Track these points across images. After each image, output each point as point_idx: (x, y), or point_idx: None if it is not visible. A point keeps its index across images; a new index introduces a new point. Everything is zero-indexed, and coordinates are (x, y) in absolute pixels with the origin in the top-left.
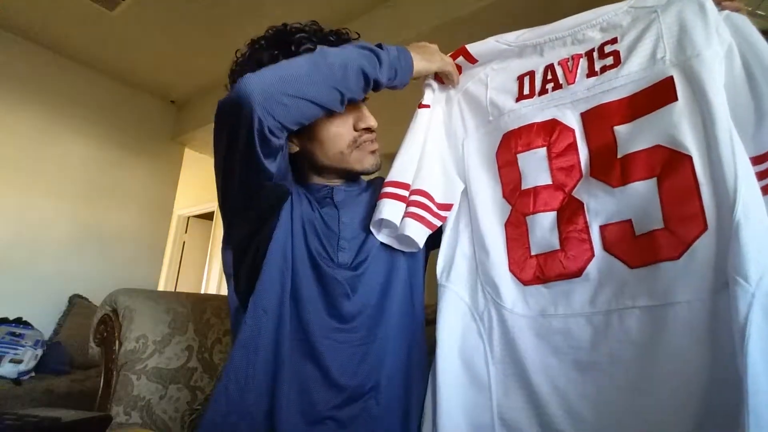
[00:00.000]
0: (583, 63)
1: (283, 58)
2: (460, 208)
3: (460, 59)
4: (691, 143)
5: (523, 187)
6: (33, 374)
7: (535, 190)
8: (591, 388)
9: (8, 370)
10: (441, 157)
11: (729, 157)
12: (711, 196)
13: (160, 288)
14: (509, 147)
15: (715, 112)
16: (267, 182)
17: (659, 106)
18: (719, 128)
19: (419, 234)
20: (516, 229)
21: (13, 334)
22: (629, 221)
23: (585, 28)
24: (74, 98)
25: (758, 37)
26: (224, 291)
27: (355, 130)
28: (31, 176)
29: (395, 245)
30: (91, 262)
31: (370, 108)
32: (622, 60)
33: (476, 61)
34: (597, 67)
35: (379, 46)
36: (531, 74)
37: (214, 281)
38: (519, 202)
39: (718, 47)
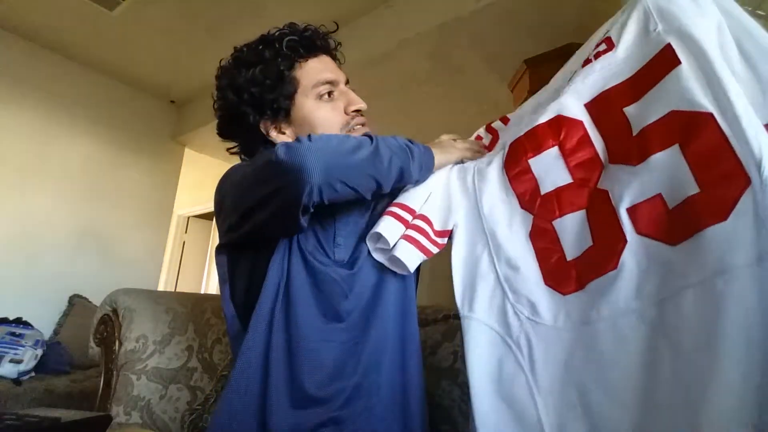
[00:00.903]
0: (579, 67)
1: (267, 52)
2: (475, 233)
3: (496, 123)
4: (707, 101)
5: (543, 192)
6: (33, 374)
7: (557, 192)
8: (661, 390)
9: (8, 370)
10: (447, 187)
11: (744, 111)
12: (741, 151)
13: (160, 288)
14: (518, 155)
15: (719, 70)
16: (294, 232)
17: (664, 75)
18: (727, 84)
19: (411, 258)
20: (543, 238)
21: (13, 334)
22: (658, 196)
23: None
24: (74, 98)
25: (744, 14)
26: None
27: (346, 113)
28: (31, 176)
29: (387, 264)
30: (91, 262)
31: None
32: (615, 43)
33: (509, 120)
34: (591, 55)
35: (410, 141)
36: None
37: (214, 281)
38: (541, 209)
39: (710, 18)
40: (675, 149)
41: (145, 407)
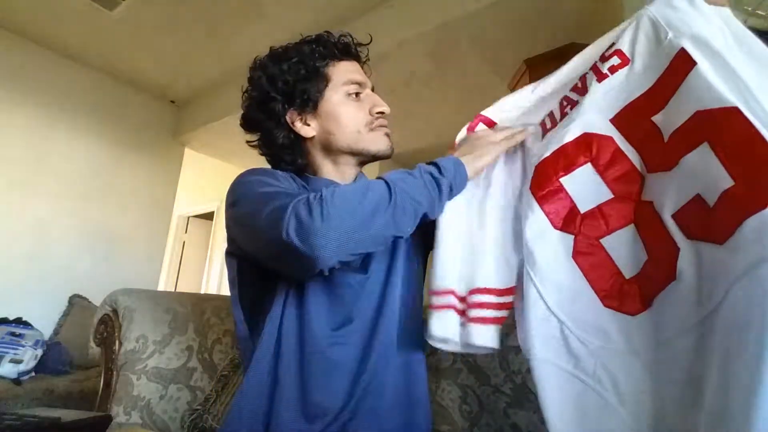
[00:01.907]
0: (590, 76)
1: (305, 48)
2: (522, 269)
3: (480, 126)
4: (730, 95)
5: (583, 210)
6: (33, 374)
7: (601, 209)
8: (721, 398)
9: (8, 370)
10: (487, 239)
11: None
12: None
13: (160, 288)
14: (547, 175)
15: (735, 68)
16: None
17: (683, 78)
18: (746, 77)
19: (489, 338)
20: (591, 258)
21: (13, 334)
22: (697, 196)
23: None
24: (74, 98)
25: (746, 30)
26: (224, 291)
27: (370, 114)
28: (31, 176)
29: (465, 350)
30: (91, 262)
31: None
32: (629, 57)
33: (495, 124)
34: (604, 70)
35: (437, 167)
36: (551, 114)
37: (214, 281)
38: (586, 228)
39: (714, 26)
40: (704, 147)
41: (145, 407)
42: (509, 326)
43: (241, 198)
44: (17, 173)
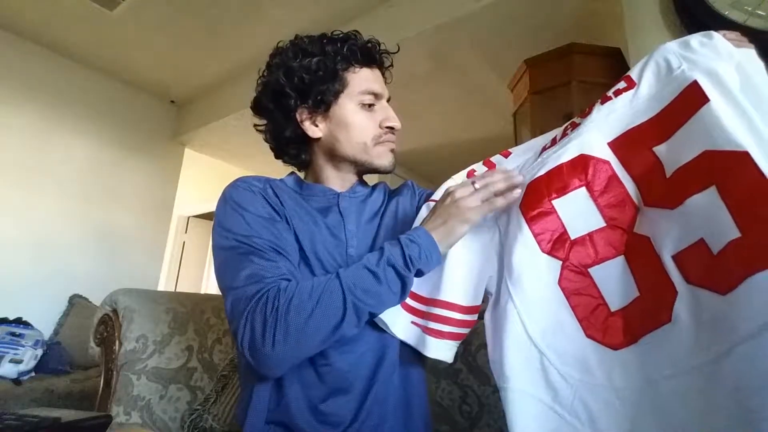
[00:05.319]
0: (597, 103)
1: (328, 48)
2: (500, 290)
3: (497, 157)
4: (740, 138)
5: (573, 236)
6: (33, 374)
7: (591, 237)
8: None
9: (8, 370)
10: (461, 254)
11: None
12: None
13: (160, 288)
14: (539, 195)
15: (745, 108)
16: None
17: (693, 113)
18: (758, 121)
19: (445, 352)
20: (577, 286)
21: (13, 334)
22: (701, 241)
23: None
24: (74, 98)
25: (761, 73)
26: None
27: (380, 127)
28: (31, 176)
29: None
30: (91, 262)
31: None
32: (636, 81)
33: (510, 153)
34: (609, 93)
35: (404, 258)
36: (554, 138)
37: (213, 281)
38: (574, 255)
39: (731, 65)
40: (712, 191)
41: (145, 407)
42: None
43: (218, 242)
44: (17, 173)
